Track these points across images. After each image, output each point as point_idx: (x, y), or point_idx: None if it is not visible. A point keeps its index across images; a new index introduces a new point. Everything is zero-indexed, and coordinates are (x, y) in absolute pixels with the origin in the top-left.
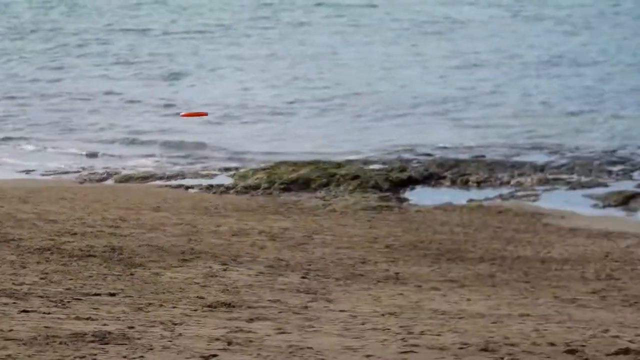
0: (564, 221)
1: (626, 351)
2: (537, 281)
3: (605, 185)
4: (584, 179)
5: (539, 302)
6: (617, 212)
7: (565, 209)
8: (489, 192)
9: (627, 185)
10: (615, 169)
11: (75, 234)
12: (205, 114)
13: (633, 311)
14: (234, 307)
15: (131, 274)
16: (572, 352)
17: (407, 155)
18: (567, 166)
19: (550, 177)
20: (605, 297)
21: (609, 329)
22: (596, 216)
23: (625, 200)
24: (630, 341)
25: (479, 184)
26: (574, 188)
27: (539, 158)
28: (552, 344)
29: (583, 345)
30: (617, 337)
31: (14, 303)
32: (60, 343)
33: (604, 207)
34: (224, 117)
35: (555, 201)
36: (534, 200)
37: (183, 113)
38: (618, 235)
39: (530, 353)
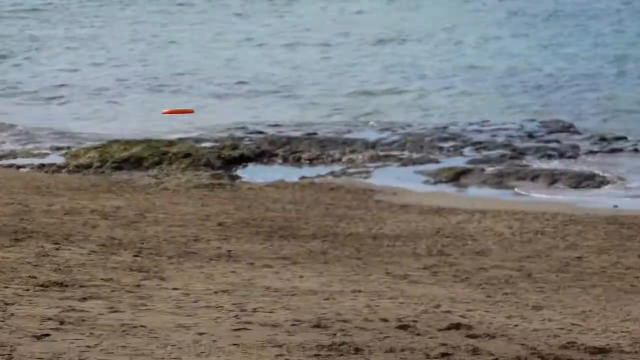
0: (395, 197)
1: (457, 326)
2: (369, 257)
3: (437, 162)
4: (415, 155)
5: (371, 278)
6: (448, 188)
7: (396, 185)
8: (320, 169)
9: (458, 162)
10: (446, 145)
11: None
12: (191, 111)
13: (464, 286)
14: (66, 286)
15: None
16: (404, 327)
17: (239, 133)
18: (398, 143)
19: (382, 153)
20: (437, 273)
21: (440, 304)
22: (427, 192)
23: (456, 177)
24: (461, 316)
25: (311, 161)
26: (405, 164)
27: (370, 135)
28: (384, 320)
29: (415, 321)
30: (448, 312)
31: None
32: None
33: (435, 183)
34: (53, 96)
35: (386, 178)
36: (366, 177)
37: (165, 110)
38: (449, 211)
39: (363, 329)
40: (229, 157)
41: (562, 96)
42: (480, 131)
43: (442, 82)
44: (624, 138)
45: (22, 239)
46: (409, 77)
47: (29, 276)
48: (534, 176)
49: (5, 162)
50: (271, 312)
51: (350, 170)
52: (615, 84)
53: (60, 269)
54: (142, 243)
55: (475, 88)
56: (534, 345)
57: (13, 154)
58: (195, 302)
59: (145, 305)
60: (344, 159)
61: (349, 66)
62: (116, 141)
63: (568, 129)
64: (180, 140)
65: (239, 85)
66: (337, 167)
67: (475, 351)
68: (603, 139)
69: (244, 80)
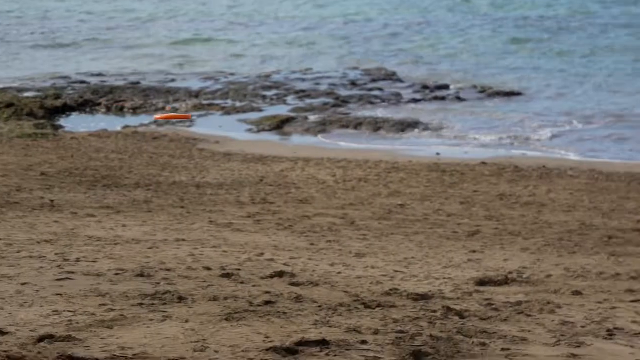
0: (219, 146)
1: (280, 274)
2: (193, 206)
3: (260, 110)
4: (238, 104)
5: (195, 227)
6: (272, 137)
7: (220, 134)
8: (144, 119)
9: (281, 110)
10: (269, 93)
11: None
12: (189, 117)
13: (287, 234)
14: None
15: None
16: (227, 276)
17: (62, 83)
18: (221, 91)
19: (205, 102)
20: (260, 221)
21: (264, 253)
22: (251, 141)
23: (279, 125)
24: (285, 264)
25: (134, 111)
26: (228, 113)
27: (194, 84)
28: (208, 269)
29: (238, 269)
30: (272, 260)
31: None
32: None
33: (259, 131)
34: None
35: (210, 126)
36: (189, 126)
37: (158, 116)
38: (272, 159)
39: (186, 278)
40: (52, 106)
41: (382, 45)
42: (304, 80)
43: (262, 31)
44: (446, 87)
45: None
46: (230, 27)
47: None
48: (357, 124)
49: None
50: (94, 261)
51: (173, 119)
52: (432, 33)
53: None
54: None
55: (296, 37)
56: (357, 293)
57: None
58: (18, 252)
59: None
60: (168, 107)
61: (165, 13)
62: None
63: (391, 77)
64: (3, 90)
65: (57, 35)
66: None
67: (298, 299)
68: (425, 87)
69: (62, 30)
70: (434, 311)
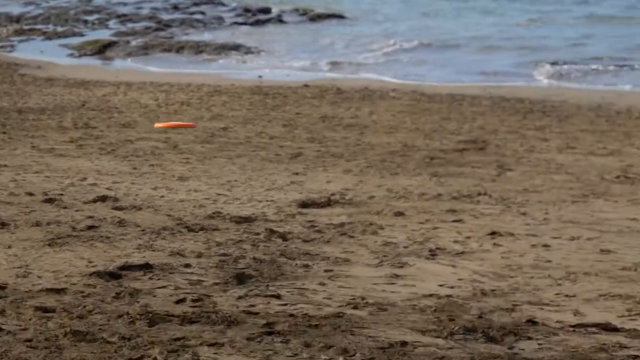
0: (40, 71)
1: (103, 199)
2: (15, 132)
3: (81, 35)
4: (59, 28)
5: (17, 152)
6: (93, 61)
7: (41, 59)
8: None
9: (103, 34)
10: (91, 18)
11: None
12: (194, 126)
13: (110, 159)
14: None
15: None
16: (50, 201)
17: None
18: (42, 16)
19: (26, 27)
20: (83, 146)
21: (86, 177)
22: (72, 65)
23: (101, 49)
24: (107, 189)
25: None
26: (50, 38)
27: (14, 9)
28: (30, 194)
29: (61, 194)
30: (94, 184)
31: None
32: None
33: (80, 56)
34: None
35: (31, 51)
36: (10, 51)
37: (160, 124)
38: (94, 84)
39: (8, 203)
40: None
41: None
42: (125, 4)
43: None
44: (268, 10)
45: None
46: None
47: None
48: (179, 47)
49: None
50: None
51: None
52: None
53: None
54: None
55: None
56: (180, 216)
57: None
58: None
59: None
60: None
61: None
62: None
63: (213, 0)
64: None
65: None
66: None
67: (121, 223)
68: (247, 10)
69: None
70: (257, 234)
